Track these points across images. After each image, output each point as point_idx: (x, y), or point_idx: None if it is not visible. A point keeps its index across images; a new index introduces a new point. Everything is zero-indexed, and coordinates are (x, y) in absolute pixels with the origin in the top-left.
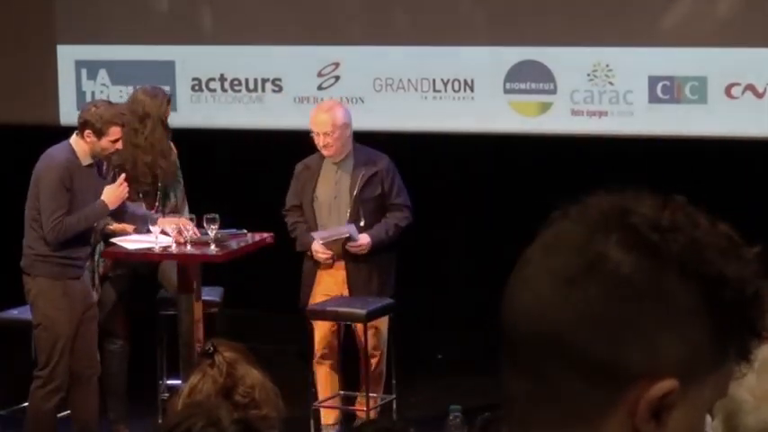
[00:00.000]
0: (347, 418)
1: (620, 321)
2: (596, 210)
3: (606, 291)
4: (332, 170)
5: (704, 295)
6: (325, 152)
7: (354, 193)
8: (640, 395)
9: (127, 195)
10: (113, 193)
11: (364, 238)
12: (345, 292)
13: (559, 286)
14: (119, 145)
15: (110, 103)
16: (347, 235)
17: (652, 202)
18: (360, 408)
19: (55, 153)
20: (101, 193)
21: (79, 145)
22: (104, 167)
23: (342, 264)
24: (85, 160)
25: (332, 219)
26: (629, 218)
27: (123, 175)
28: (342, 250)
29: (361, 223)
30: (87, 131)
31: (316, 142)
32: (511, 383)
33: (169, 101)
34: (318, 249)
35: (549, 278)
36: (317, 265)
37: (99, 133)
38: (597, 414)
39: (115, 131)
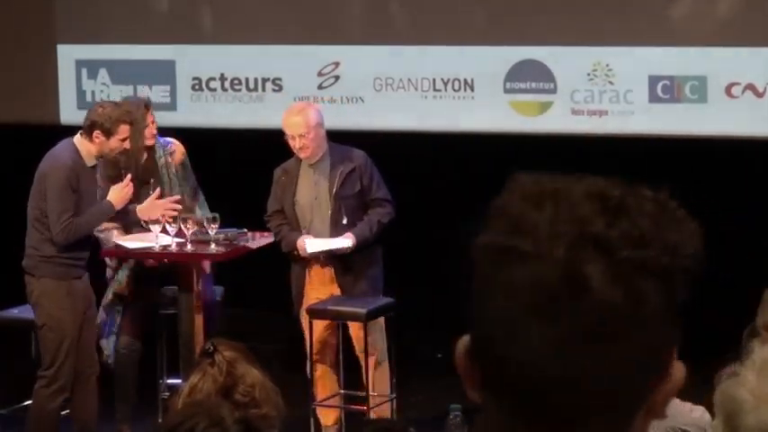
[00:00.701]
0: (349, 419)
1: (634, 358)
2: (556, 234)
3: (612, 333)
4: (310, 172)
5: (671, 289)
6: (301, 154)
7: (334, 191)
8: (658, 395)
9: (131, 195)
10: (119, 194)
11: (349, 238)
12: (336, 292)
13: (567, 341)
14: (127, 144)
15: (115, 103)
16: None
17: (602, 206)
18: (360, 407)
19: (60, 153)
20: (103, 195)
21: (84, 145)
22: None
23: (329, 264)
24: (90, 161)
25: (315, 220)
26: (602, 242)
27: (129, 176)
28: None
29: (344, 221)
30: (96, 132)
31: (291, 146)
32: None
33: (147, 105)
34: (304, 245)
35: (544, 330)
36: (304, 269)
37: (108, 133)
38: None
39: (124, 130)
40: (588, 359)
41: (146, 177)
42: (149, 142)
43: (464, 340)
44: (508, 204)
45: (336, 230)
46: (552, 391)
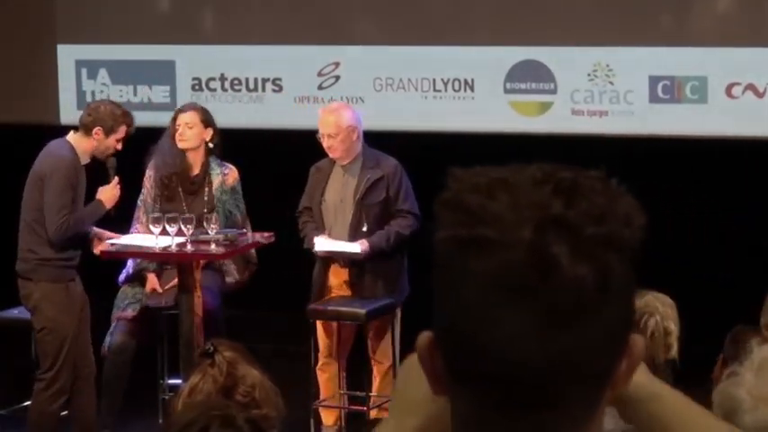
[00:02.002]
0: (351, 420)
1: (605, 333)
2: (520, 219)
3: (587, 313)
4: (340, 173)
5: (630, 261)
6: (330, 154)
7: (357, 197)
8: (621, 370)
9: (118, 197)
10: (109, 193)
11: (362, 245)
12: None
13: (543, 323)
14: (120, 146)
15: (117, 104)
16: (350, 251)
17: (555, 189)
18: (360, 407)
19: (58, 152)
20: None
21: (79, 143)
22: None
23: (348, 268)
24: (84, 159)
25: (337, 222)
26: (565, 223)
27: (116, 178)
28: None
29: (364, 228)
30: (97, 129)
31: (322, 143)
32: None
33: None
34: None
35: (519, 314)
36: (326, 269)
37: (109, 131)
38: (591, 413)
39: (123, 130)
40: (564, 338)
41: (193, 189)
42: (178, 144)
43: (425, 336)
44: (460, 198)
45: (355, 236)
46: (530, 375)
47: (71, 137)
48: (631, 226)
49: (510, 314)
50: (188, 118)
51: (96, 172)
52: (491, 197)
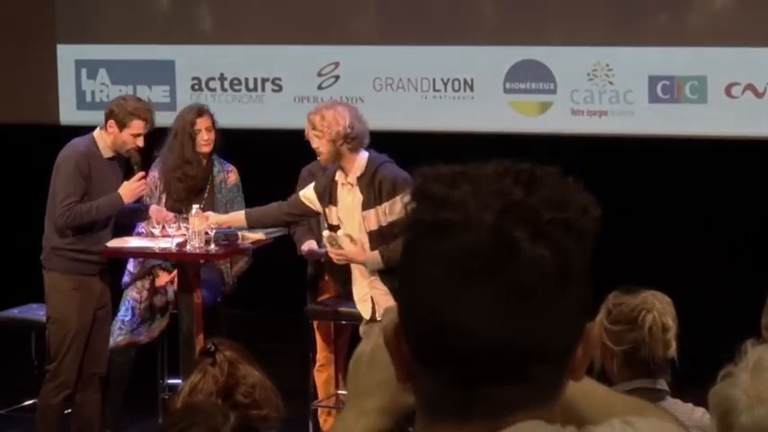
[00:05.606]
0: None
1: (563, 314)
2: (483, 205)
3: (546, 292)
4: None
5: (587, 247)
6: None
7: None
8: (577, 356)
9: (144, 192)
10: (130, 188)
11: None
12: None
13: (505, 301)
14: (140, 141)
15: (139, 99)
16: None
17: (515, 179)
18: None
19: (76, 143)
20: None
21: (102, 137)
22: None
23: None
24: (106, 153)
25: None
26: (526, 208)
27: (142, 173)
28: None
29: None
30: (110, 122)
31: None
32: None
33: (200, 112)
34: (306, 250)
35: (481, 291)
36: (318, 272)
37: (121, 125)
38: (551, 394)
39: (137, 125)
40: (524, 316)
41: (199, 186)
42: (202, 149)
43: (391, 322)
44: (425, 189)
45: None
46: (492, 351)
47: (96, 131)
48: (588, 215)
49: (473, 292)
50: (209, 122)
51: (131, 168)
52: (454, 186)
